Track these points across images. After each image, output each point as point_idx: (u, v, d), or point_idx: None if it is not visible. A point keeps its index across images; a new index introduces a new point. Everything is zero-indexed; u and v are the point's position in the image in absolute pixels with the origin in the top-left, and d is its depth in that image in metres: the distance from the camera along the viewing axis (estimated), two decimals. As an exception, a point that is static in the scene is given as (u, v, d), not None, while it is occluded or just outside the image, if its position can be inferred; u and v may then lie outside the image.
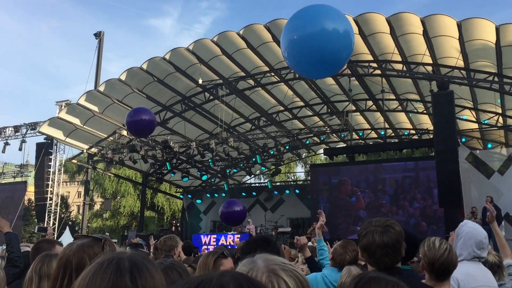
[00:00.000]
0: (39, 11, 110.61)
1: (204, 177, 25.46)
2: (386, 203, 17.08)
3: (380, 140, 23.30)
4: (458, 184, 13.57)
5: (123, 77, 18.34)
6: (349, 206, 17.41)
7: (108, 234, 23.42)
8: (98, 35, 21.48)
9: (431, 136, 17.77)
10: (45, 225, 20.97)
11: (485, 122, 19.90)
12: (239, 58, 18.08)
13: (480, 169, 16.84)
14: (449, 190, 13.23)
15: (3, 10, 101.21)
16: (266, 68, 18.54)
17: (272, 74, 18.66)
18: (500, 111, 18.78)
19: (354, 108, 20.46)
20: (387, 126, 21.93)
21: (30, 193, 26.10)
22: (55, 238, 20.58)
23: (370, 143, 24.25)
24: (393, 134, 23.57)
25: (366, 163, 19.45)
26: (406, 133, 23.40)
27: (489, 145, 18.87)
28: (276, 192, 24.56)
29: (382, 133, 22.57)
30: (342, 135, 22.79)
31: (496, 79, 16.01)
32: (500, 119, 19.26)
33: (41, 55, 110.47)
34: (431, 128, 18.75)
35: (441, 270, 2.66)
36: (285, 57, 4.73)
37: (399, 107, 20.76)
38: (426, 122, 21.85)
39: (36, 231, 19.25)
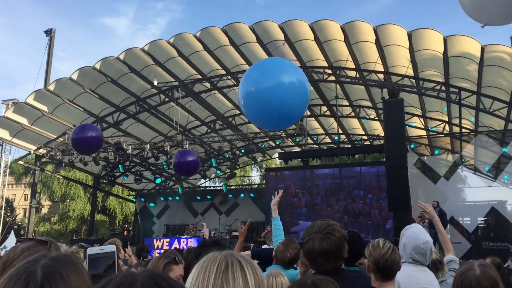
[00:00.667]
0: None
1: (158, 180, 25.10)
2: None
3: (333, 145, 23.75)
4: (407, 189, 13.99)
5: (74, 76, 17.82)
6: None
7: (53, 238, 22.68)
8: (49, 33, 20.79)
9: (382, 142, 18.27)
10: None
11: (433, 129, 20.66)
12: (195, 61, 17.98)
13: (428, 175, 17.48)
14: (398, 194, 13.61)
15: None
16: (223, 71, 18.52)
17: (229, 77, 18.67)
18: (446, 119, 19.56)
19: (309, 113, 20.76)
20: (340, 131, 22.38)
21: (-27, 195, 24.89)
22: (-2, 243, 19.70)
23: (324, 147, 24.67)
24: (346, 140, 24.09)
25: (320, 167, 19.79)
26: (358, 138, 23.98)
27: (436, 152, 19.57)
28: (231, 196, 24.53)
29: (336, 138, 23.03)
30: (297, 140, 23.08)
31: (443, 88, 16.67)
32: (447, 127, 20.07)
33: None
34: (382, 134, 19.28)
35: (385, 269, 2.72)
36: (241, 105, 4.68)
37: (352, 113, 21.23)
38: (377, 128, 22.45)
39: None
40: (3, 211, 21.63)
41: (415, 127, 20.90)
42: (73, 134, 7.94)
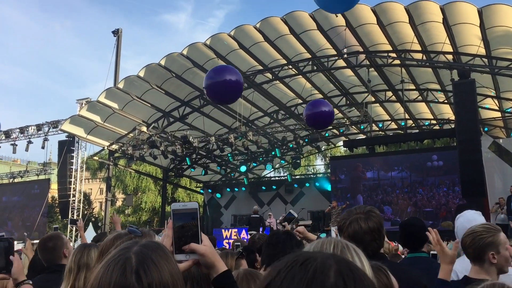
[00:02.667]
0: (54, 10, 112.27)
1: (222, 172, 25.54)
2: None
3: (400, 131, 23.04)
4: (482, 174, 13.34)
5: (141, 74, 18.48)
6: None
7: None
8: (116, 33, 21.65)
9: (453, 126, 17.50)
10: (69, 222, 21.37)
11: (508, 110, 19.51)
12: (256, 52, 18.05)
13: (504, 158, 16.51)
14: (473, 180, 13.02)
15: (18, 10, 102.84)
16: (284, 61, 18.47)
17: (290, 67, 18.58)
18: (523, 98, 18.40)
19: (373, 99, 20.25)
20: (407, 116, 21.66)
21: (54, 190, 26.56)
22: (78, 235, 20.93)
23: (390, 134, 24.00)
24: (413, 125, 23.29)
25: (387, 154, 19.29)
26: (427, 123, 23.10)
27: (513, 134, 18.51)
28: (296, 185, 24.52)
29: (403, 124, 22.31)
30: (362, 127, 22.59)
31: (519, 66, 15.66)
32: (524, 107, 18.87)
33: (58, 54, 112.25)
34: (453, 118, 18.47)
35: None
36: None
37: (419, 97, 20.47)
38: (447, 112, 21.52)
39: (69, 223, 20.08)
40: (81, 205, 22.91)
41: (489, 109, 19.81)
42: (309, 110, 8.29)
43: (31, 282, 2.35)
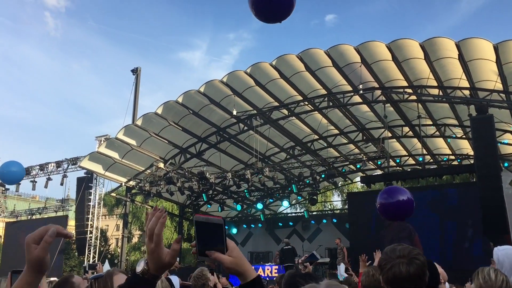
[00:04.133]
0: (74, 49, 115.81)
1: (238, 207, 25.40)
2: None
3: (418, 167, 22.79)
4: (503, 210, 13.04)
5: (159, 111, 18.76)
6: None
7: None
8: (135, 71, 22.14)
9: (472, 162, 17.26)
10: (92, 262, 21.32)
11: (529, 145, 19.22)
12: (272, 88, 18.25)
13: (526, 194, 16.15)
14: (494, 216, 12.72)
15: (39, 49, 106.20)
16: (300, 97, 18.62)
17: (306, 103, 18.71)
18: (544, 133, 18.14)
19: (390, 134, 20.18)
20: (425, 152, 21.48)
21: (71, 227, 26.64)
22: (94, 272, 20.82)
23: (408, 169, 23.74)
24: (431, 160, 23.04)
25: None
26: (445, 158, 22.83)
27: (534, 169, 18.13)
28: (313, 222, 24.25)
29: (420, 159, 22.11)
30: (379, 162, 22.45)
31: (538, 100, 15.52)
32: (545, 142, 18.58)
33: (76, 92, 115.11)
34: (472, 153, 18.24)
35: None
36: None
37: (437, 133, 20.34)
38: (466, 147, 21.29)
39: (87, 269, 19.71)
40: (98, 241, 22.91)
41: (508, 144, 19.55)
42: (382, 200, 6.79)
43: None
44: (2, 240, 27.78)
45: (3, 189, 26.06)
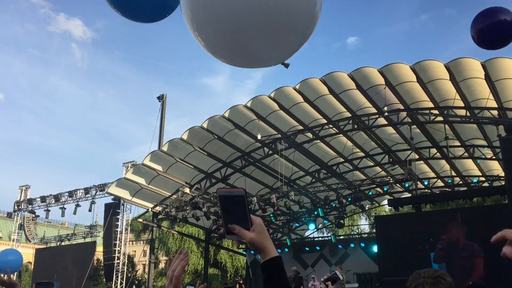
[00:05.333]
0: (100, 78, 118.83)
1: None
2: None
3: (447, 189, 22.32)
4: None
5: (185, 137, 18.99)
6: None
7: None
8: (161, 98, 22.55)
9: (503, 183, 16.81)
10: (113, 285, 21.40)
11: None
12: (296, 112, 18.30)
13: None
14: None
15: (66, 79, 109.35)
16: (324, 121, 18.59)
17: (330, 126, 18.67)
18: None
19: (417, 156, 19.89)
20: (454, 173, 21.05)
21: (99, 252, 26.92)
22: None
23: (437, 192, 23.28)
24: (461, 182, 22.54)
25: (435, 213, 18.58)
26: (475, 180, 22.31)
27: None
28: (341, 246, 23.84)
29: (449, 181, 21.65)
30: (407, 185, 22.09)
31: None
32: None
33: (102, 119, 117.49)
34: (503, 174, 17.79)
35: None
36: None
37: (466, 154, 19.94)
38: (496, 168, 20.78)
39: None
40: (125, 267, 23.02)
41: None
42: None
43: None
44: (32, 266, 28.17)
45: (33, 216, 26.60)
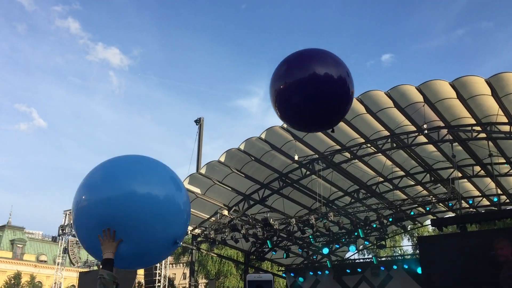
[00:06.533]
0: (137, 102, 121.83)
1: (304, 254, 24.88)
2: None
3: (493, 208, 21.50)
4: None
5: (222, 159, 19.14)
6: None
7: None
8: (198, 121, 22.91)
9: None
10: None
11: None
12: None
13: None
14: None
15: (104, 105, 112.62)
16: (362, 140, 18.38)
17: (368, 145, 18.42)
18: None
19: (460, 174, 19.32)
20: (499, 192, 20.28)
21: (140, 275, 27.22)
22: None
23: (483, 211, 22.44)
24: (508, 201, 21.67)
25: (481, 234, 17.89)
26: (523, 198, 21.41)
27: None
28: (383, 268, 23.19)
29: (495, 199, 20.84)
30: (450, 204, 21.37)
31: None
32: None
33: (140, 143, 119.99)
34: (553, 191, 17.03)
35: None
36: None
37: (511, 171, 19.23)
38: (545, 185, 19.92)
39: None
40: (166, 290, 23.15)
41: None
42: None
43: None
44: (76, 289, 28.72)
45: (77, 240, 27.23)
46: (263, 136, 18.41)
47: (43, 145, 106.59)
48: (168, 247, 3.24)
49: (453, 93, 15.39)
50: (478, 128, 16.35)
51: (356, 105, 16.77)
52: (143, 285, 26.60)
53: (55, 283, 28.49)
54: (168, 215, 3.11)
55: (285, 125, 17.97)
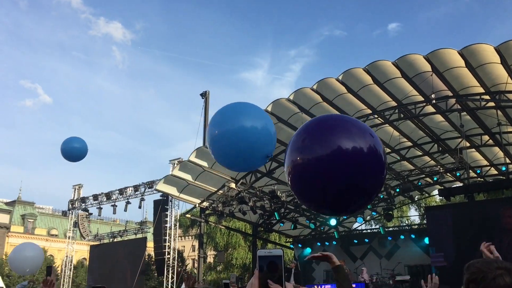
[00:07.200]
0: (141, 76, 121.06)
1: (312, 225, 25.07)
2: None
3: (501, 177, 21.44)
4: None
5: (229, 132, 19.09)
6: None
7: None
8: (204, 95, 22.79)
9: None
10: (164, 279, 21.88)
11: None
12: (339, 103, 18.04)
13: None
14: None
15: (109, 80, 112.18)
16: (369, 111, 18.24)
17: (376, 116, 18.30)
18: None
19: (468, 144, 19.20)
20: (508, 161, 20.17)
21: (150, 248, 27.62)
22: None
23: (490, 180, 22.40)
24: (516, 169, 21.60)
25: (489, 202, 17.89)
26: (531, 167, 21.32)
27: None
28: (390, 238, 23.38)
29: (504, 168, 20.76)
30: (458, 174, 21.33)
31: None
32: None
33: (145, 117, 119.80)
34: (562, 159, 16.91)
35: None
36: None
37: (520, 139, 19.07)
38: (554, 153, 19.77)
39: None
40: (176, 262, 23.50)
41: None
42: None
43: None
44: (88, 261, 29.27)
45: (87, 214, 27.58)
46: (269, 109, 18.29)
47: (49, 121, 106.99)
48: (262, 159, 5.23)
49: (461, 62, 15.15)
50: (487, 97, 16.16)
51: (363, 76, 16.58)
52: (153, 257, 27.01)
53: (67, 256, 29.05)
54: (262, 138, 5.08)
55: (291, 97, 17.85)
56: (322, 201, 3.16)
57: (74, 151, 9.50)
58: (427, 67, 15.59)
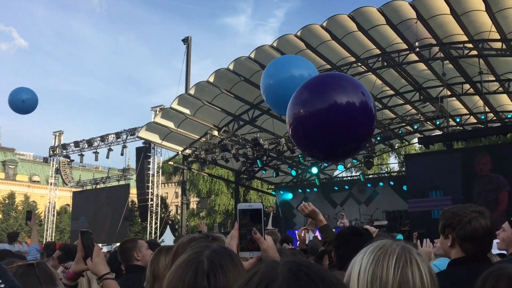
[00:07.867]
0: (120, 21, 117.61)
1: (293, 172, 25.44)
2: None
3: (480, 125, 21.83)
4: None
5: (211, 79, 18.89)
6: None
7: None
8: (186, 41, 22.31)
9: (540, 118, 16.31)
10: (148, 225, 22.23)
11: None
12: (323, 51, 17.86)
13: None
14: None
15: (87, 24, 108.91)
16: (353, 59, 18.13)
17: (359, 64, 18.21)
18: None
19: (449, 93, 19.34)
20: (487, 109, 20.47)
21: (133, 195, 27.83)
22: (157, 237, 21.76)
23: (469, 129, 22.80)
24: (495, 118, 21.95)
25: (467, 150, 18.27)
26: (509, 115, 21.67)
27: None
28: (370, 185, 23.94)
29: (482, 117, 21.09)
30: (438, 123, 21.62)
31: None
32: None
33: (126, 64, 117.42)
34: (539, 108, 17.22)
35: None
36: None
37: (500, 89, 19.27)
38: (532, 102, 20.09)
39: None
40: (159, 208, 23.80)
41: None
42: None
43: (113, 277, 2.41)
44: (71, 208, 29.46)
45: (69, 160, 27.46)
46: (252, 56, 18.05)
47: (26, 66, 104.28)
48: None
49: (447, 9, 14.99)
50: (470, 45, 16.14)
51: (348, 23, 16.34)
52: (136, 203, 27.29)
53: (49, 202, 29.15)
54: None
55: (275, 44, 17.58)
56: (320, 148, 3.70)
57: (22, 104, 8.92)
58: (412, 14, 15.40)
